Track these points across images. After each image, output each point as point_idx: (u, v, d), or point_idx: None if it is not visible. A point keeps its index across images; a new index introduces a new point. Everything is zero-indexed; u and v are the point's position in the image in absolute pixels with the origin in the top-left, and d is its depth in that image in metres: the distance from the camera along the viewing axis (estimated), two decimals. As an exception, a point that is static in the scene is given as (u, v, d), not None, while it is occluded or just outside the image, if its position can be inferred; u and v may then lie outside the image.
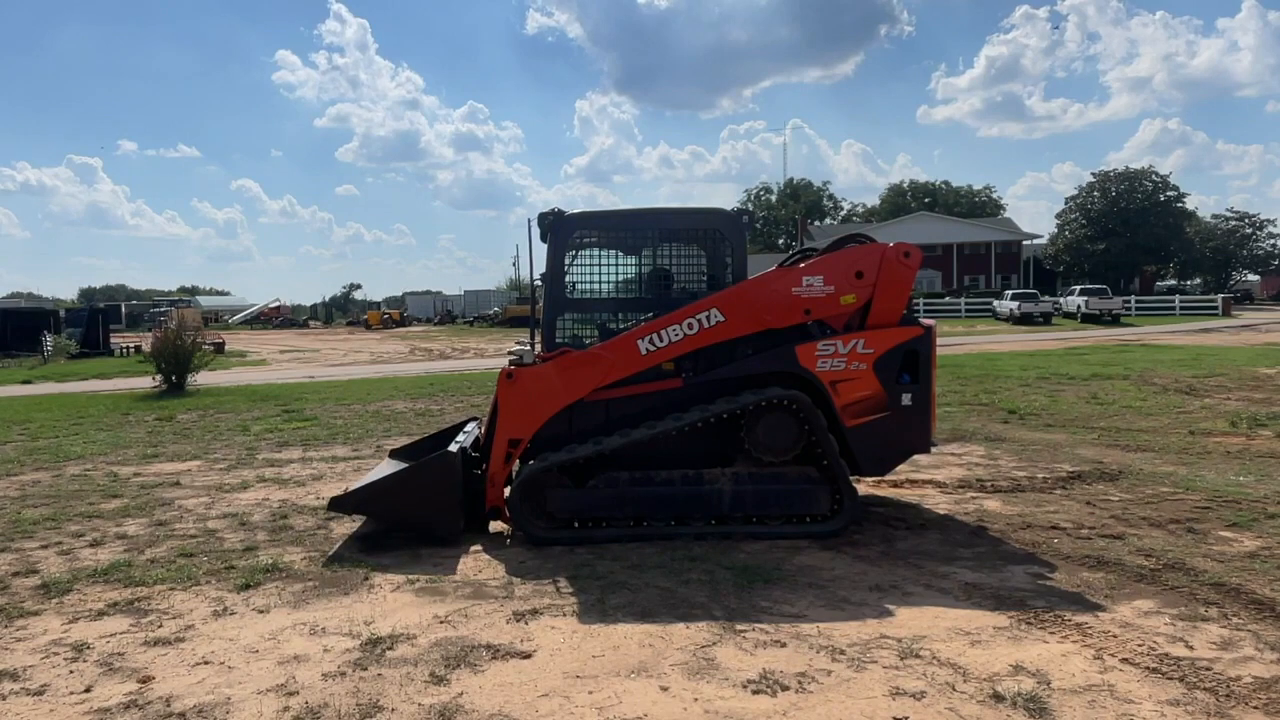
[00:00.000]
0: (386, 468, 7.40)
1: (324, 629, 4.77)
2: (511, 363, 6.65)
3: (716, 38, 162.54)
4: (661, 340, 6.48)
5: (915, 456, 8.60)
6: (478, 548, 6.30)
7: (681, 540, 6.22)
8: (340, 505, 6.44)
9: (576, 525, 6.44)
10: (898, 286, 6.61)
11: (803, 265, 6.74)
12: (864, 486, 7.69)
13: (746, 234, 7.04)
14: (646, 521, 6.44)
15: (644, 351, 6.51)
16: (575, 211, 6.96)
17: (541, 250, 7.13)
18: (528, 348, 6.69)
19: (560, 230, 6.86)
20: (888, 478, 8.04)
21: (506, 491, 6.57)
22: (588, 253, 7.02)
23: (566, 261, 6.91)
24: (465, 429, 7.97)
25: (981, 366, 19.51)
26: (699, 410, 6.43)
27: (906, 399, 6.54)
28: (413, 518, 6.46)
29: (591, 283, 7.09)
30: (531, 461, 6.47)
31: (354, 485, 6.93)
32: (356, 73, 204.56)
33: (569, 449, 6.43)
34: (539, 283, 7.24)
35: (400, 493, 6.47)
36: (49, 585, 5.60)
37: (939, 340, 7.02)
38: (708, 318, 6.49)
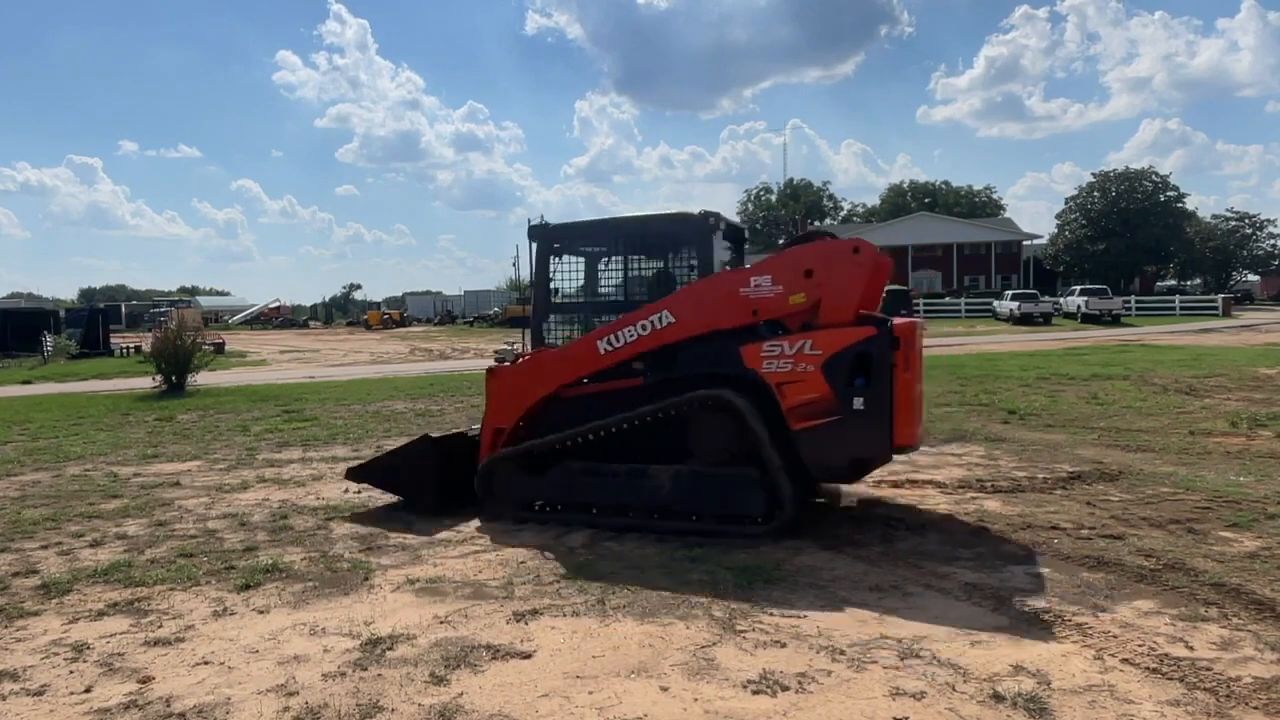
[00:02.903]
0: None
1: (324, 629, 4.77)
2: (496, 360, 7.36)
3: (716, 38, 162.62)
4: (619, 341, 6.74)
5: (915, 457, 8.82)
6: (477, 548, 6.30)
7: (680, 539, 6.23)
8: (354, 474, 7.69)
9: (535, 508, 7.00)
10: (847, 284, 6.28)
11: (753, 265, 6.69)
12: (864, 487, 7.70)
13: (713, 236, 7.04)
14: (595, 509, 6.78)
15: (603, 351, 6.81)
16: (556, 223, 7.47)
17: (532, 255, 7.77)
18: (513, 347, 7.37)
19: (543, 240, 7.37)
20: (887, 477, 8.10)
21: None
22: (568, 260, 7.53)
23: (550, 268, 7.44)
24: None
25: (981, 367, 19.51)
26: (631, 411, 6.63)
27: (859, 403, 6.15)
28: (401, 489, 7.59)
29: (571, 288, 7.58)
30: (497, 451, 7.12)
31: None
32: (357, 73, 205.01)
33: (525, 443, 7.02)
34: (529, 288, 8.14)
35: (390, 468, 7.56)
36: (49, 585, 5.60)
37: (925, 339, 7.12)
38: (660, 319, 6.62)
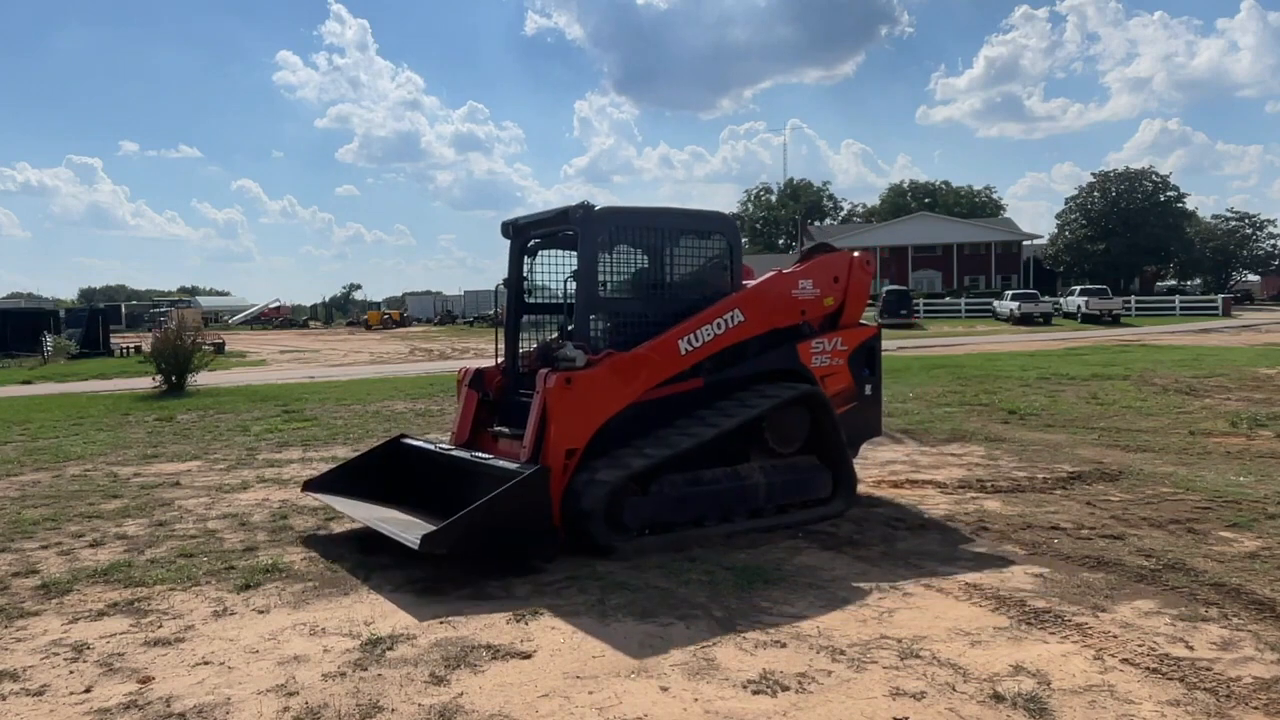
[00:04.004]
0: (344, 504, 6.64)
1: (324, 629, 4.76)
2: (564, 367, 6.13)
3: (716, 38, 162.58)
4: (697, 340, 6.60)
5: (915, 457, 9.03)
6: (478, 548, 6.27)
7: (681, 540, 6.21)
8: (434, 544, 5.34)
9: (639, 535, 6.11)
10: (863, 290, 7.56)
11: (795, 270, 7.28)
12: (864, 487, 7.70)
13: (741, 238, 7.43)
14: (705, 522, 6.36)
15: (684, 351, 6.53)
16: (604, 206, 6.66)
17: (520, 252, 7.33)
18: (579, 351, 6.20)
19: (594, 225, 6.51)
20: (888, 478, 8.22)
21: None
22: (618, 245, 6.82)
23: (598, 257, 6.63)
24: (414, 439, 7.39)
25: (981, 367, 19.51)
26: (743, 407, 6.58)
27: (868, 389, 7.50)
28: (506, 544, 5.66)
29: (618, 281, 6.92)
30: (598, 471, 5.95)
31: (380, 520, 6.12)
32: (357, 73, 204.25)
33: (639, 454, 6.10)
34: (506, 288, 7.46)
35: (498, 517, 5.54)
36: (49, 585, 5.60)
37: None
38: (731, 318, 6.75)
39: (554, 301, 7.30)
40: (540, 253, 7.40)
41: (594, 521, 5.85)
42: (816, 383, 7.07)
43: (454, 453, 6.70)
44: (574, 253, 6.77)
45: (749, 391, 6.74)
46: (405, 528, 5.86)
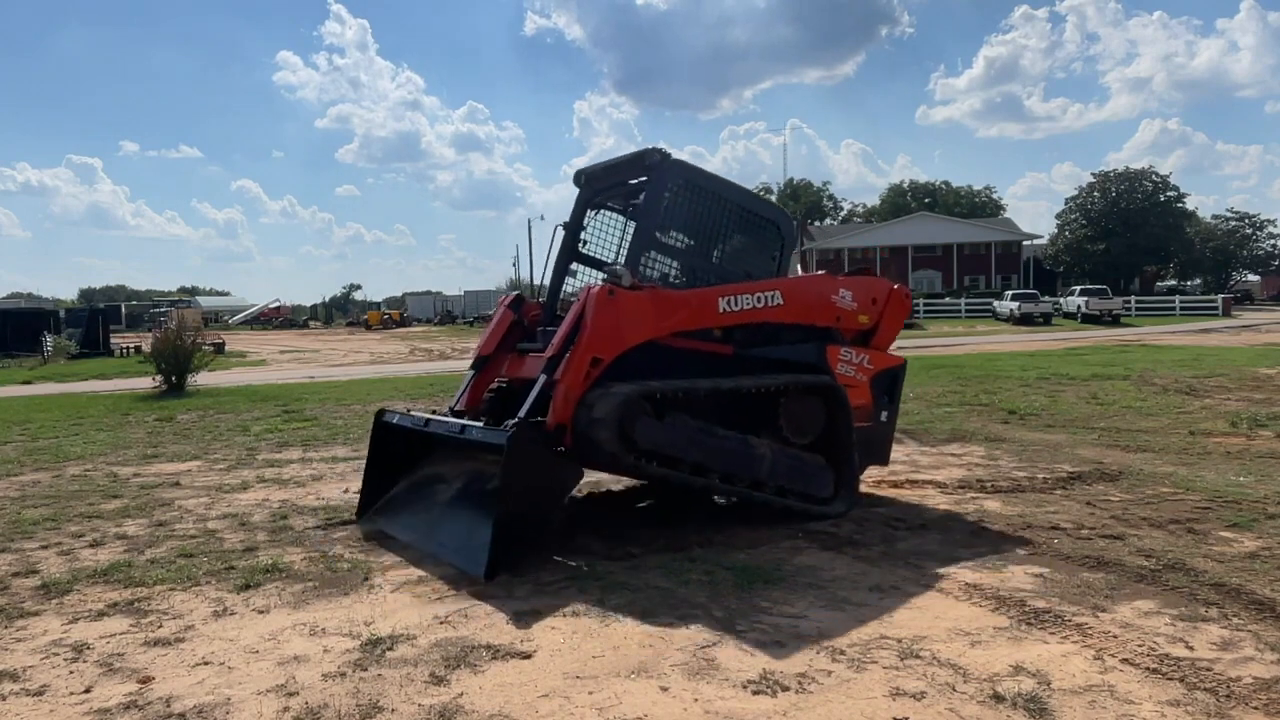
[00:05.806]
0: (400, 529, 6.58)
1: (324, 629, 4.76)
2: (610, 281, 6.39)
3: (716, 38, 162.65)
4: (736, 304, 6.77)
5: (915, 457, 9.13)
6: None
7: (681, 540, 6.22)
8: (496, 566, 5.47)
9: (647, 460, 6.09)
10: (898, 320, 7.70)
11: (840, 278, 7.53)
12: (864, 487, 7.70)
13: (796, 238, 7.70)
14: (708, 473, 6.35)
15: (721, 309, 6.71)
16: (679, 159, 6.95)
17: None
18: (627, 272, 6.41)
19: (668, 173, 6.87)
20: (888, 478, 8.21)
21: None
22: (682, 200, 7.00)
23: (664, 203, 6.91)
24: (398, 413, 7.20)
25: (982, 367, 19.51)
26: (766, 378, 6.70)
27: (883, 416, 7.53)
28: (538, 510, 5.75)
29: (674, 233, 7.10)
30: (613, 386, 6.04)
31: (437, 542, 6.13)
32: (357, 74, 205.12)
33: (658, 381, 6.22)
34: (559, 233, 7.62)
35: (517, 497, 5.54)
36: (49, 585, 5.60)
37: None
38: (771, 297, 6.91)
39: (603, 260, 7.61)
40: (601, 213, 7.63)
41: (604, 429, 5.80)
42: (838, 389, 7.11)
43: (429, 429, 6.66)
44: (632, 223, 7.21)
45: (761, 372, 6.87)
46: (465, 544, 5.87)
